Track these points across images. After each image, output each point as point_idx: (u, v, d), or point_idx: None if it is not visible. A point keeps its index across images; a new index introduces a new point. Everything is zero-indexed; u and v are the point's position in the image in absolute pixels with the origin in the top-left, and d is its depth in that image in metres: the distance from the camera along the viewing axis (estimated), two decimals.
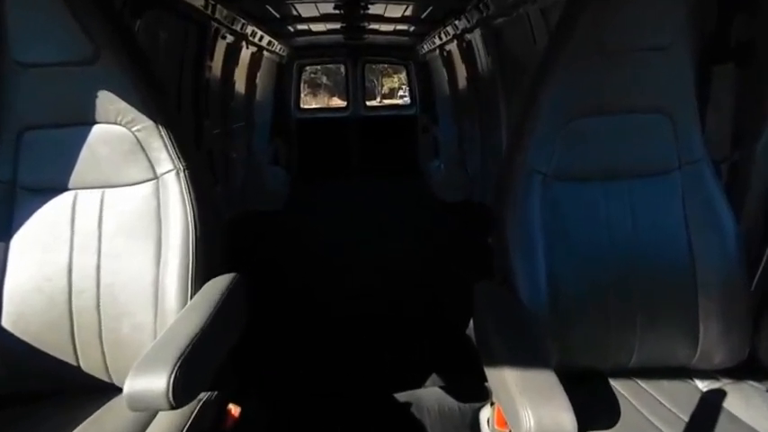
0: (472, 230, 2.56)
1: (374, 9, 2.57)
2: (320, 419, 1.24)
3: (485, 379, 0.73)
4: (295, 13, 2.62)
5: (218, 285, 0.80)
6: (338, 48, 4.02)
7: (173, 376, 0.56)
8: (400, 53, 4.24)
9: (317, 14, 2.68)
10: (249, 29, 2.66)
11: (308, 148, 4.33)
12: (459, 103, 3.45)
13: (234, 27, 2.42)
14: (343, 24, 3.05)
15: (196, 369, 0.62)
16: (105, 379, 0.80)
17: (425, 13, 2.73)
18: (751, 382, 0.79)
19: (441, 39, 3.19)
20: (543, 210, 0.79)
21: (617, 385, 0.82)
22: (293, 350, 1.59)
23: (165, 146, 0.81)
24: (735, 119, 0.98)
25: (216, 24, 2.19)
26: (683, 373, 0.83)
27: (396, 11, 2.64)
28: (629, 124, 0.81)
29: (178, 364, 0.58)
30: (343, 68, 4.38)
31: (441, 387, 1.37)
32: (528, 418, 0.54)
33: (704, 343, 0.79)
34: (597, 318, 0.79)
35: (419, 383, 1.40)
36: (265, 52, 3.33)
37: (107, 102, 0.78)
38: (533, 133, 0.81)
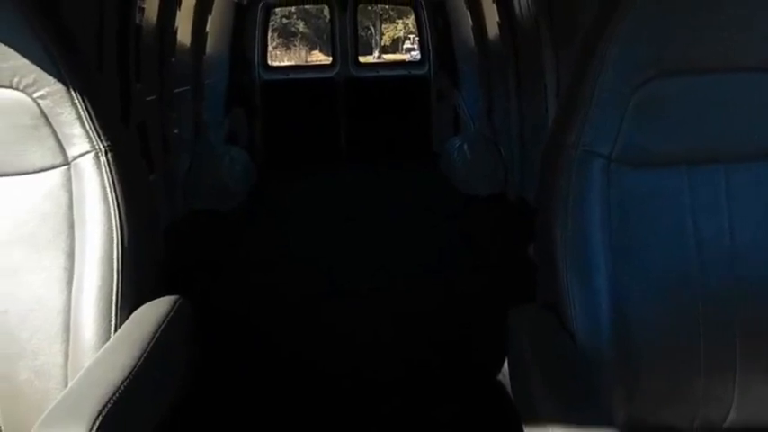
0: (509, 237, 2.55)
1: None
2: None
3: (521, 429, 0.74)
4: None
5: (153, 313, 0.80)
6: None
7: None
8: None
9: None
10: None
11: (279, 121, 4.33)
12: (488, 59, 3.45)
13: None
14: None
15: (123, 429, 0.62)
16: None
17: None
18: None
19: None
20: (606, 208, 0.79)
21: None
22: (261, 408, 1.59)
23: (80, 118, 0.81)
24: None
25: None
26: None
27: None
28: (729, 87, 0.81)
29: (97, 423, 0.58)
30: (326, 11, 4.37)
31: None
32: None
33: None
34: (681, 359, 0.80)
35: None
36: None
37: None
38: (591, 101, 0.81)
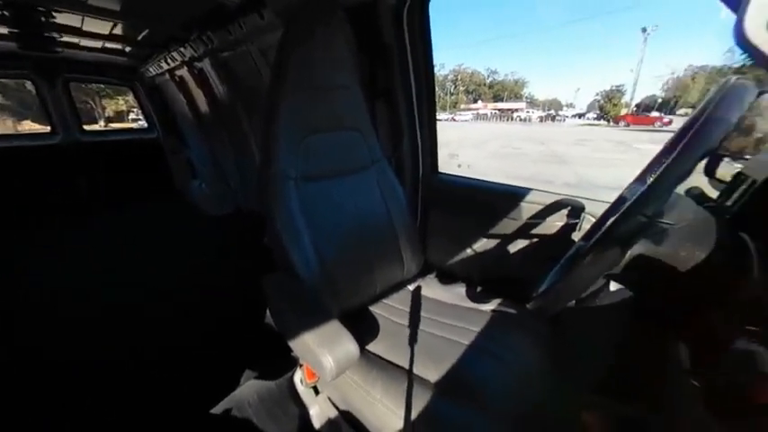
0: (250, 235, 2.36)
1: (63, 19, 1.79)
2: None
3: (290, 350, 0.72)
4: None
5: None
6: (14, 59, 2.56)
7: None
8: (119, 73, 3.13)
9: None
10: None
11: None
12: (205, 126, 3.00)
13: None
14: (15, 30, 1.96)
15: None
16: None
17: (141, 36, 2.16)
18: (429, 276, 1.15)
19: (168, 64, 2.63)
20: (300, 205, 0.83)
21: (373, 308, 0.99)
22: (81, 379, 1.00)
23: None
24: (391, 132, 1.34)
25: None
26: (402, 284, 1.08)
27: (99, 26, 1.94)
28: (341, 138, 0.95)
29: None
30: (31, 85, 2.84)
31: (255, 378, 1.24)
32: (328, 360, 0.58)
33: (406, 264, 1.06)
34: (351, 268, 0.91)
35: (236, 384, 1.21)
36: None
37: None
38: (280, 149, 0.83)
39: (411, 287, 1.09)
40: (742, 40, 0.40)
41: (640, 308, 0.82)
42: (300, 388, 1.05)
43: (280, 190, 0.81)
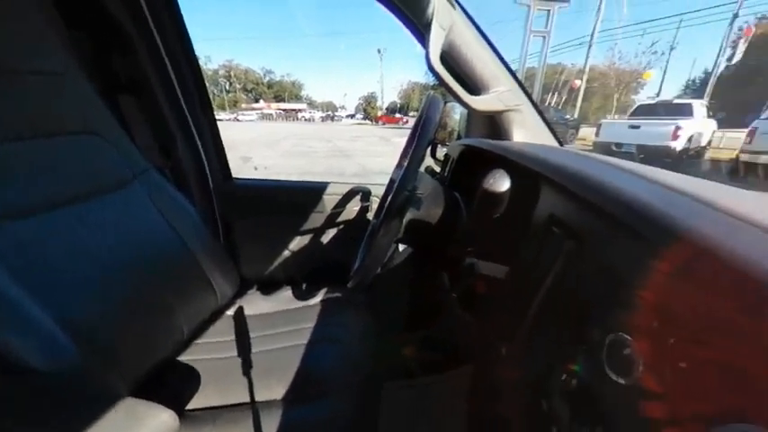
0: None
1: None
2: None
3: None
4: None
5: None
6: None
7: None
8: None
9: None
10: None
11: None
12: None
13: None
14: None
15: None
16: None
17: None
18: (249, 292, 1.05)
19: None
20: (8, 258, 0.52)
21: (185, 357, 0.80)
22: None
23: None
24: (155, 134, 1.07)
25: None
26: (218, 313, 0.94)
27: None
28: (60, 147, 0.64)
29: None
30: None
31: None
32: None
33: (218, 288, 0.89)
34: (138, 320, 0.67)
35: None
36: None
37: None
38: None
39: (231, 312, 0.96)
40: (430, 66, 0.61)
41: (418, 258, 1.12)
42: None
43: None
